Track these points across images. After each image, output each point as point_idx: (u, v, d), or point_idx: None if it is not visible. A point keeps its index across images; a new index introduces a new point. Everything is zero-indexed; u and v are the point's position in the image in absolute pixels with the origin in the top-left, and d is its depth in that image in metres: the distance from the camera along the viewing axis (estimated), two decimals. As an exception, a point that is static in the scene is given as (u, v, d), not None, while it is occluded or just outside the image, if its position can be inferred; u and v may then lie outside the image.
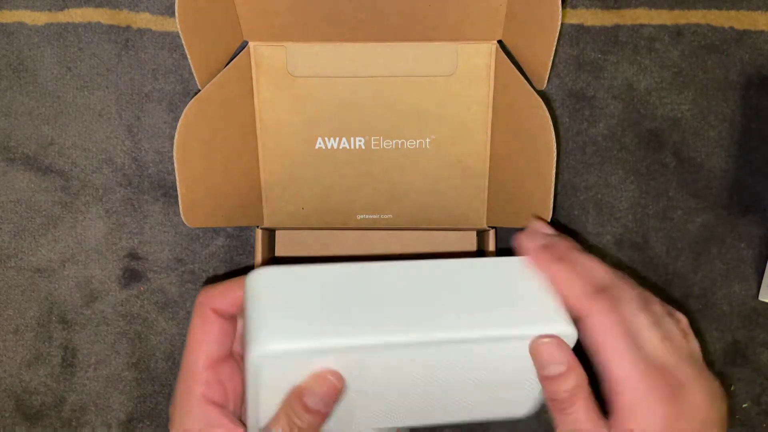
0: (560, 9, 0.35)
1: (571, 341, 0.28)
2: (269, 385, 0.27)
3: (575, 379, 0.28)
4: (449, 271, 0.29)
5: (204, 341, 0.30)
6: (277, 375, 0.27)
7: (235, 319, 0.31)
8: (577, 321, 0.28)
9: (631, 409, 0.27)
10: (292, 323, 0.26)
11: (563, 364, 0.28)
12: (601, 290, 0.28)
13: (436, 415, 0.31)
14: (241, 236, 0.49)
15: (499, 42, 0.43)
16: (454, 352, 0.27)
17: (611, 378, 0.27)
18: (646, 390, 0.26)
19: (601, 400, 0.28)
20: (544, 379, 0.28)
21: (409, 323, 0.27)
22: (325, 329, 0.26)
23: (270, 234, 0.47)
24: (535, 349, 0.28)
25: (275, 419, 0.28)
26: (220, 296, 0.30)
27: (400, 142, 0.45)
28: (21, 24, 0.48)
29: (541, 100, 0.38)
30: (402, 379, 0.28)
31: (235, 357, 0.32)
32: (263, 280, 0.28)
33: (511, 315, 0.28)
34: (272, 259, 0.48)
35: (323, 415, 0.28)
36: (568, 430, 0.28)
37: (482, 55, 0.44)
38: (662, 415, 0.26)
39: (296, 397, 0.28)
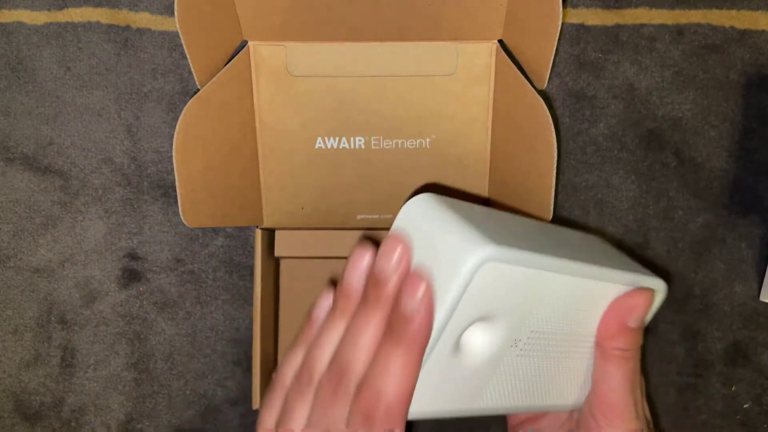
0: (561, 8, 0.35)
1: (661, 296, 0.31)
2: (471, 301, 0.24)
3: (642, 336, 0.30)
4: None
5: None
6: (484, 291, 0.24)
7: None
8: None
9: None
10: (501, 235, 0.24)
11: (644, 320, 0.30)
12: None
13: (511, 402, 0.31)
14: (240, 236, 0.49)
15: (500, 42, 0.43)
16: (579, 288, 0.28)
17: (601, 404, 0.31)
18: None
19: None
20: (624, 328, 0.30)
21: (580, 257, 0.28)
22: (532, 248, 0.25)
23: (270, 234, 0.47)
24: (631, 298, 0.30)
25: None
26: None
27: (400, 142, 0.45)
28: (20, 23, 0.48)
29: (541, 99, 0.38)
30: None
31: None
32: (434, 202, 0.25)
33: (625, 265, 0.30)
34: (271, 238, 0.48)
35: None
36: (624, 380, 0.30)
37: (482, 54, 0.43)
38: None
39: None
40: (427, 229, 0.24)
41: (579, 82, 0.48)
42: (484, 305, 0.25)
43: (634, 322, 0.30)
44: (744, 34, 0.48)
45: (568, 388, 0.31)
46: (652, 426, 0.32)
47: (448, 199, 0.26)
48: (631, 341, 0.30)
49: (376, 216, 0.46)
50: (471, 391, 0.27)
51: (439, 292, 0.23)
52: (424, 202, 0.25)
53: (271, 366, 0.46)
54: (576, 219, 0.49)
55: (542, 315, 0.28)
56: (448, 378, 0.26)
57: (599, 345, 0.30)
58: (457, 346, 0.26)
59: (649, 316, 0.31)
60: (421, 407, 0.26)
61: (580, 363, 0.31)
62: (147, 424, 0.49)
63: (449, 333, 0.24)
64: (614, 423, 0.30)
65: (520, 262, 0.24)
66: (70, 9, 0.48)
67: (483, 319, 0.25)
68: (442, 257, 0.23)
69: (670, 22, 0.48)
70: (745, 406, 0.49)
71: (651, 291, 0.30)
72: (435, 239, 0.24)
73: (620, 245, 0.49)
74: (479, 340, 0.26)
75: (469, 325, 0.25)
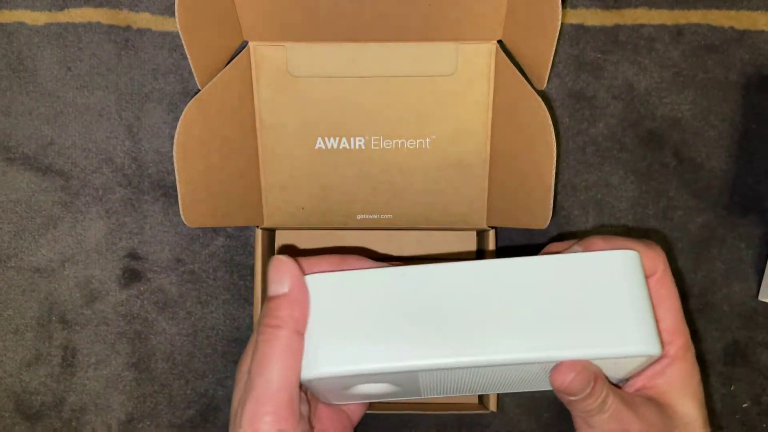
0: (560, 9, 0.35)
1: (655, 358, 0.27)
2: (325, 389, 0.28)
3: (601, 390, 0.28)
4: (518, 272, 0.27)
5: (281, 360, 0.27)
6: (331, 385, 0.27)
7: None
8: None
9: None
10: (342, 344, 0.26)
11: (588, 388, 0.27)
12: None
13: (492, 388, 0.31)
14: (241, 236, 0.49)
15: (499, 42, 0.43)
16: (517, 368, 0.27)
17: (663, 329, 0.29)
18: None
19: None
20: (571, 402, 0.28)
21: (464, 343, 0.25)
22: (374, 352, 0.26)
23: (270, 234, 0.47)
24: (560, 384, 0.27)
25: None
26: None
27: (400, 142, 0.45)
28: (21, 24, 0.48)
29: (541, 100, 0.38)
30: (459, 377, 0.28)
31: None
32: (316, 288, 0.27)
33: (586, 332, 0.25)
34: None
35: (286, 297, 0.27)
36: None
37: (482, 55, 0.44)
38: None
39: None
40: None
41: (578, 83, 0.48)
42: (351, 384, 0.28)
43: (577, 397, 0.27)
44: (743, 35, 0.48)
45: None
46: None
47: (335, 279, 0.28)
48: (583, 406, 0.28)
49: (376, 216, 0.46)
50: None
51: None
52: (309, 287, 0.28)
53: (271, 365, 0.46)
54: (576, 219, 0.49)
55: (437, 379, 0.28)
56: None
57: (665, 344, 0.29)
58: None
59: (640, 365, 0.28)
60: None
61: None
62: (148, 423, 0.49)
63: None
64: None
65: (351, 375, 0.26)
66: (70, 9, 0.48)
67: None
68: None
69: (669, 22, 0.48)
70: (744, 405, 0.49)
71: (582, 372, 0.26)
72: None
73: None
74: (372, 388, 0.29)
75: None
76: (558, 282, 0.26)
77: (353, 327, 0.26)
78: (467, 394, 0.32)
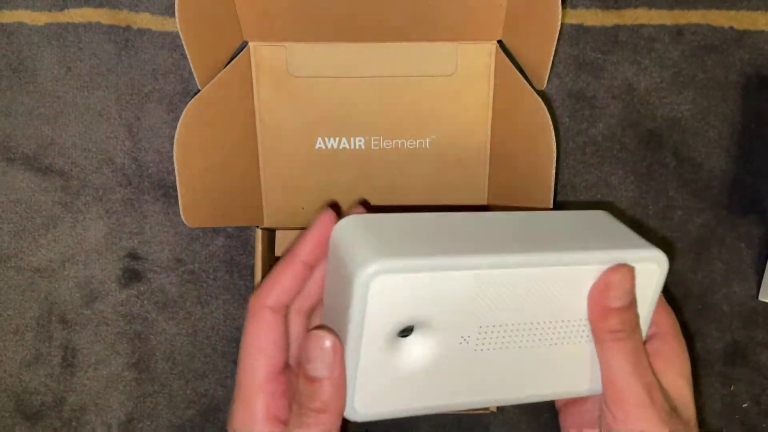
0: (560, 9, 0.35)
1: (665, 268, 0.29)
2: (373, 323, 0.25)
3: (636, 315, 0.29)
4: (534, 218, 0.30)
5: (263, 350, 0.28)
6: (385, 304, 0.25)
7: (286, 317, 0.29)
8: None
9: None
10: (399, 247, 0.25)
11: (631, 295, 0.28)
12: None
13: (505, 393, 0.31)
14: (241, 236, 0.49)
15: (499, 42, 0.43)
16: (548, 280, 0.28)
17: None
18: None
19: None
20: (608, 310, 0.28)
21: (510, 247, 0.27)
22: (434, 252, 0.25)
23: (270, 234, 0.47)
24: (608, 277, 0.28)
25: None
26: (270, 291, 0.28)
27: (400, 142, 0.45)
28: (21, 24, 0.48)
29: (541, 100, 0.38)
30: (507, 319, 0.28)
31: (292, 367, 0.29)
32: (353, 224, 0.27)
33: (605, 241, 0.29)
34: (271, 239, 0.48)
35: (330, 380, 0.25)
36: (626, 362, 0.28)
37: (482, 55, 0.44)
38: None
39: (300, 371, 0.26)
40: (340, 256, 0.26)
41: (578, 83, 0.48)
42: (399, 314, 0.26)
43: (615, 301, 0.28)
44: (743, 35, 0.48)
45: (575, 374, 0.30)
46: (690, 415, 0.29)
47: (370, 217, 0.27)
48: (619, 321, 0.28)
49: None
50: (434, 388, 0.28)
51: (347, 316, 0.25)
52: (341, 228, 0.27)
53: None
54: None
55: (487, 310, 0.27)
56: (399, 379, 0.27)
57: (593, 333, 0.29)
58: (393, 352, 0.27)
59: (654, 291, 0.29)
60: (384, 408, 0.27)
61: (580, 348, 0.29)
62: (148, 423, 0.49)
63: (376, 342, 0.26)
64: (627, 412, 0.28)
65: (416, 269, 0.25)
66: (70, 9, 0.48)
67: (413, 323, 0.27)
68: (345, 281, 0.25)
69: (669, 22, 0.48)
70: (744, 405, 0.49)
71: (626, 266, 0.28)
72: (342, 266, 0.26)
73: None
74: (417, 344, 0.27)
75: (397, 330, 0.26)
76: (574, 223, 0.30)
77: (404, 239, 0.26)
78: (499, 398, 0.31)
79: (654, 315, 0.31)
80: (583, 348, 0.30)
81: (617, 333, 0.28)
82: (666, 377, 0.29)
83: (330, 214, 0.28)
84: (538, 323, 0.28)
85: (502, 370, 0.29)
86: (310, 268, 0.29)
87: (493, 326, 0.28)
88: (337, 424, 0.26)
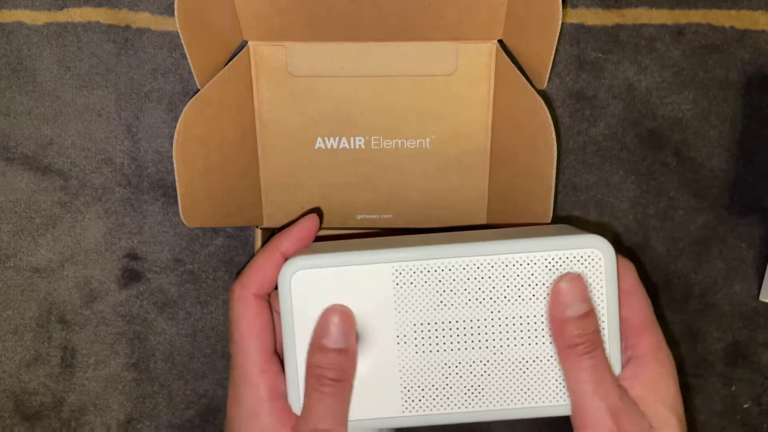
0: (561, 8, 0.35)
1: (610, 258, 0.28)
2: (302, 310, 0.27)
3: (594, 328, 0.27)
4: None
5: (256, 334, 0.29)
6: (310, 297, 0.27)
7: (269, 303, 0.30)
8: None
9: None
10: (324, 252, 0.27)
11: (585, 304, 0.27)
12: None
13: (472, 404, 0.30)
14: (240, 236, 0.49)
15: (500, 42, 0.43)
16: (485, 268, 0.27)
17: (630, 329, 0.29)
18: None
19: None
20: (563, 321, 0.26)
21: (432, 243, 0.28)
22: (352, 251, 0.27)
23: (270, 234, 0.47)
24: (556, 287, 0.27)
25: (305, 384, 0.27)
26: (254, 278, 0.29)
27: (400, 142, 0.45)
28: (20, 24, 0.48)
29: (541, 99, 0.38)
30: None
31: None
32: (295, 283, 0.28)
33: (545, 239, 0.28)
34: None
35: (346, 351, 0.26)
36: (587, 380, 0.26)
37: (482, 54, 0.44)
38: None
39: (312, 346, 0.27)
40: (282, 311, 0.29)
41: (579, 82, 0.48)
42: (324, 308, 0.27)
43: (568, 310, 0.26)
44: (744, 34, 0.48)
45: (545, 387, 0.28)
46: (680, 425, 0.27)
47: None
48: (576, 333, 0.26)
49: (376, 216, 0.46)
50: (385, 396, 0.28)
51: (282, 317, 0.28)
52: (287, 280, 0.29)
53: (271, 366, 0.46)
54: (576, 219, 0.49)
55: (417, 306, 0.27)
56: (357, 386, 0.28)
57: (556, 349, 0.27)
58: None
59: (607, 283, 0.27)
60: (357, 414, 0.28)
61: (544, 354, 0.28)
62: (147, 424, 0.49)
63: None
64: None
65: (332, 264, 0.27)
66: (70, 9, 0.48)
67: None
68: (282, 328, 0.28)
69: (670, 22, 0.48)
70: (745, 406, 0.49)
71: (573, 274, 0.27)
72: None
73: (619, 245, 0.49)
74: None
75: None
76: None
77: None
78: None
79: (632, 336, 0.28)
80: (547, 355, 0.28)
81: (576, 347, 0.26)
82: (647, 404, 0.27)
83: (314, 216, 0.31)
84: (485, 321, 0.27)
85: (455, 374, 0.27)
86: None
87: (428, 324, 0.27)
88: (351, 392, 0.27)
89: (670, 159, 0.49)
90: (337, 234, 0.47)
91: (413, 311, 0.27)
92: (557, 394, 0.28)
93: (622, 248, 0.49)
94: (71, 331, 0.49)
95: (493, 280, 0.27)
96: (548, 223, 0.33)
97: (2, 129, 0.49)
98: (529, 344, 0.28)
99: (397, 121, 0.45)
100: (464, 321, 0.27)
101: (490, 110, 0.44)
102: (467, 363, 0.27)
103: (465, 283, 0.27)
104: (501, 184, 0.45)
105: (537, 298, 0.27)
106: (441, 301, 0.27)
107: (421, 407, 0.27)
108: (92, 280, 0.49)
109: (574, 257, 0.28)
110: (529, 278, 0.27)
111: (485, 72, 0.44)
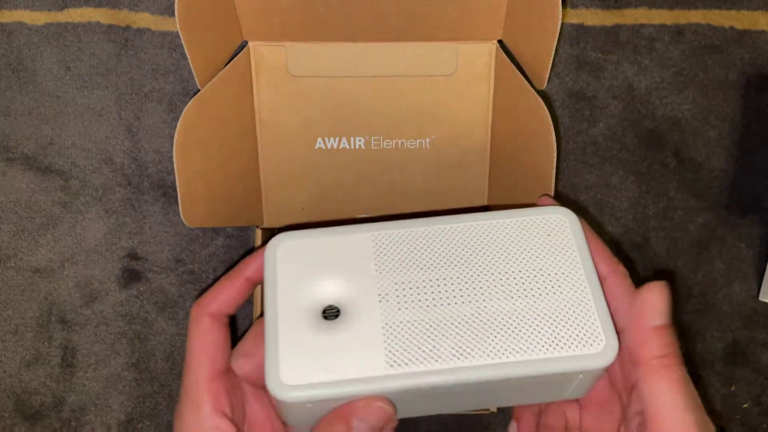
0: (560, 9, 0.35)
1: (611, 358, 0.26)
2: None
3: (676, 338, 0.27)
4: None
5: (206, 352, 0.30)
6: (294, 266, 0.29)
7: (228, 325, 0.31)
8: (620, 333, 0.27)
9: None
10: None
11: (668, 314, 0.26)
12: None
13: (478, 404, 0.32)
14: (241, 236, 0.49)
15: (499, 42, 0.43)
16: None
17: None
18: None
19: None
20: (652, 330, 0.26)
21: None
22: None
23: (270, 234, 0.47)
24: (642, 296, 0.27)
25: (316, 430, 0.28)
26: (213, 300, 0.30)
27: (400, 142, 0.45)
28: (20, 24, 0.48)
29: (541, 99, 0.38)
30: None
31: (233, 369, 0.31)
32: (281, 252, 0.29)
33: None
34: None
35: None
36: (679, 392, 0.26)
37: (482, 54, 0.44)
38: None
39: (342, 416, 0.27)
40: (264, 294, 0.29)
41: (579, 82, 0.48)
42: (309, 276, 0.29)
43: (657, 319, 0.26)
44: (744, 34, 0.48)
45: (530, 340, 0.27)
46: None
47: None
48: (663, 344, 0.26)
49: (376, 216, 0.46)
50: (374, 355, 0.28)
51: (264, 286, 0.29)
52: (272, 251, 0.30)
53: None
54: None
55: (397, 267, 0.28)
56: (329, 351, 0.28)
57: (633, 361, 0.26)
58: (321, 331, 0.28)
59: (578, 242, 0.28)
60: (315, 380, 0.27)
61: (555, 300, 0.27)
62: (147, 423, 0.49)
63: (297, 312, 0.28)
64: None
65: (316, 236, 0.29)
66: (70, 9, 0.48)
67: (330, 298, 0.29)
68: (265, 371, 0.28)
69: (669, 22, 0.48)
70: (744, 405, 0.49)
71: (662, 283, 0.27)
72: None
73: (619, 245, 0.49)
74: (340, 318, 0.28)
75: (317, 306, 0.28)
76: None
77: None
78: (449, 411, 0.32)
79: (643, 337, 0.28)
80: (556, 300, 0.27)
81: (663, 358, 0.26)
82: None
83: None
84: (463, 279, 0.28)
85: (437, 330, 0.27)
86: (253, 284, 0.31)
87: (409, 283, 0.28)
88: None
89: (669, 159, 0.49)
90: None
91: (393, 272, 0.28)
92: (539, 348, 0.27)
93: (622, 248, 0.49)
94: (71, 331, 0.49)
95: (468, 242, 0.29)
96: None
97: (2, 129, 0.49)
98: (507, 299, 0.28)
99: (397, 121, 0.45)
100: (444, 280, 0.28)
101: (490, 110, 0.44)
102: (449, 319, 0.28)
103: (442, 245, 0.29)
104: (501, 184, 0.45)
105: (508, 257, 0.29)
106: (420, 263, 0.29)
107: (405, 364, 0.27)
108: (92, 280, 0.49)
109: (539, 221, 0.29)
110: (500, 239, 0.29)
111: (485, 72, 0.44)
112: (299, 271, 0.29)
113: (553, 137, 0.37)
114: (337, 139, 0.45)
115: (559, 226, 0.29)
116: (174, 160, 0.37)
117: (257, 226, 0.46)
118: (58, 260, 0.49)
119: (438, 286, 0.28)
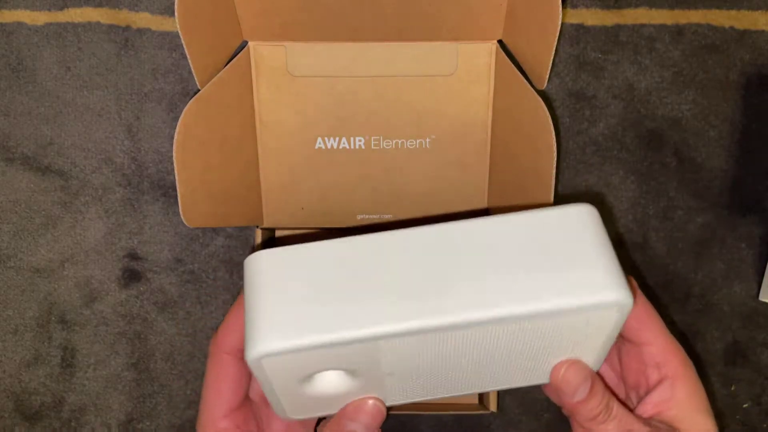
0: (560, 9, 0.35)
1: (626, 312, 0.25)
2: (278, 381, 0.26)
3: (602, 393, 0.28)
4: (476, 233, 0.26)
5: (221, 390, 0.31)
6: (282, 370, 0.25)
7: (242, 359, 0.31)
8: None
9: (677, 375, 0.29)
10: (291, 316, 0.24)
11: (587, 385, 0.28)
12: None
13: (469, 387, 0.30)
14: (241, 236, 0.49)
15: (499, 42, 0.43)
16: (486, 331, 0.24)
17: (656, 351, 0.29)
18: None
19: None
20: (576, 406, 0.28)
21: (426, 305, 0.24)
22: (327, 322, 0.24)
23: (270, 234, 0.47)
24: (557, 375, 0.27)
25: None
26: (227, 336, 0.31)
27: (400, 142, 0.45)
28: (20, 24, 0.48)
29: (541, 99, 0.38)
30: (427, 360, 0.26)
31: (251, 399, 0.33)
32: (262, 264, 0.26)
33: (552, 283, 0.24)
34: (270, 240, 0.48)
35: None
36: None
37: (482, 54, 0.44)
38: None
39: (336, 424, 0.28)
40: (245, 302, 0.26)
41: (579, 82, 0.48)
42: (303, 376, 0.26)
43: (578, 395, 0.28)
44: (744, 34, 0.48)
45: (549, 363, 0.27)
46: None
47: (283, 254, 0.26)
48: (591, 408, 0.28)
49: (376, 216, 0.46)
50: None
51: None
52: (253, 265, 0.27)
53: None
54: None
55: (405, 362, 0.26)
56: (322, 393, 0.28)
57: (577, 424, 0.29)
58: (312, 382, 0.27)
59: (609, 335, 0.26)
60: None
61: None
62: (147, 423, 0.49)
63: (291, 386, 0.27)
64: None
65: (303, 348, 0.24)
66: (70, 9, 0.48)
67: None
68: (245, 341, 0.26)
69: (669, 22, 0.48)
70: (744, 405, 0.49)
71: (570, 361, 0.26)
72: (245, 317, 0.26)
73: (619, 245, 0.49)
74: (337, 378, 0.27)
75: (309, 377, 0.27)
76: (515, 240, 0.26)
77: (303, 299, 0.25)
78: (442, 395, 0.30)
79: (659, 355, 0.29)
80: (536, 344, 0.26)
81: (596, 419, 0.28)
82: (682, 420, 0.28)
83: None
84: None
85: (447, 375, 0.27)
86: None
87: (419, 368, 0.27)
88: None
89: (669, 159, 0.49)
90: (312, 233, 0.47)
91: (401, 363, 0.27)
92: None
93: (622, 248, 0.49)
94: (71, 331, 0.49)
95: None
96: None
97: (2, 129, 0.49)
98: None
99: (397, 121, 0.45)
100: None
101: (490, 110, 0.44)
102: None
103: (456, 349, 0.26)
104: (501, 184, 0.45)
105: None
106: (433, 359, 0.27)
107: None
108: (92, 280, 0.49)
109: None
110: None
111: (485, 72, 0.44)
112: (295, 377, 0.27)
113: (553, 137, 0.37)
114: (337, 139, 0.45)
115: (605, 321, 0.26)
116: (174, 160, 0.37)
117: (257, 226, 0.46)
118: (58, 260, 0.49)
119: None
